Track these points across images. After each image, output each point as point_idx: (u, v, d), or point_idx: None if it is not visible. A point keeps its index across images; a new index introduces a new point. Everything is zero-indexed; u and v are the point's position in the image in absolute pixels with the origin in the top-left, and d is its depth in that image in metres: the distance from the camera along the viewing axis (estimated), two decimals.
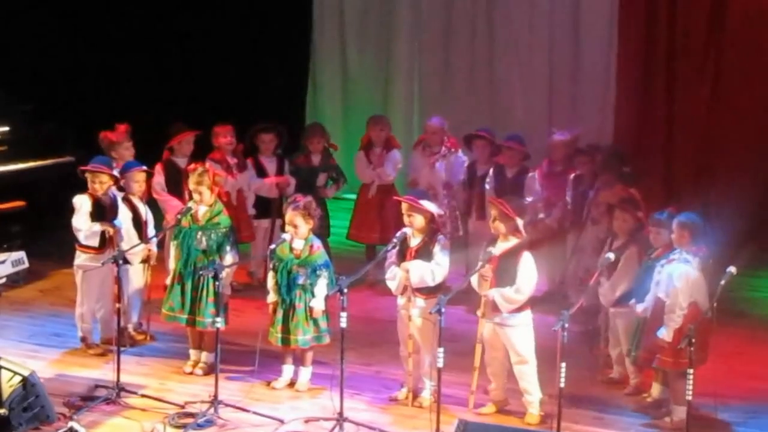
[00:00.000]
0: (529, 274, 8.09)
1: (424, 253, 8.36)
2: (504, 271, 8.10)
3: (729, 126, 12.32)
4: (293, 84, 14.08)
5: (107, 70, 13.32)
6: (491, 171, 10.85)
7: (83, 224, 9.23)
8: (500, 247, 8.17)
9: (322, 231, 11.15)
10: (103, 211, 9.28)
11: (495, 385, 8.39)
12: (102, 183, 9.27)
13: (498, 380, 8.38)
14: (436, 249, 8.35)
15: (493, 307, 8.14)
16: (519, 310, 8.15)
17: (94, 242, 9.26)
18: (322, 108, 14.18)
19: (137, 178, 9.56)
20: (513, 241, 8.18)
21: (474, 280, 8.23)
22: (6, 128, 11.74)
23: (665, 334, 8.10)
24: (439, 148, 11.17)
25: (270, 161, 11.29)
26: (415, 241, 8.43)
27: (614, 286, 8.73)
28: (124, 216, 9.40)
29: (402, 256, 8.42)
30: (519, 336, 8.19)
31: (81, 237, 9.28)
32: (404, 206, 8.46)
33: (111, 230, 9.23)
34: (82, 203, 9.27)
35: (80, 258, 9.37)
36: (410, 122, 13.59)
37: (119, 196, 9.46)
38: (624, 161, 10.37)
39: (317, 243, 8.74)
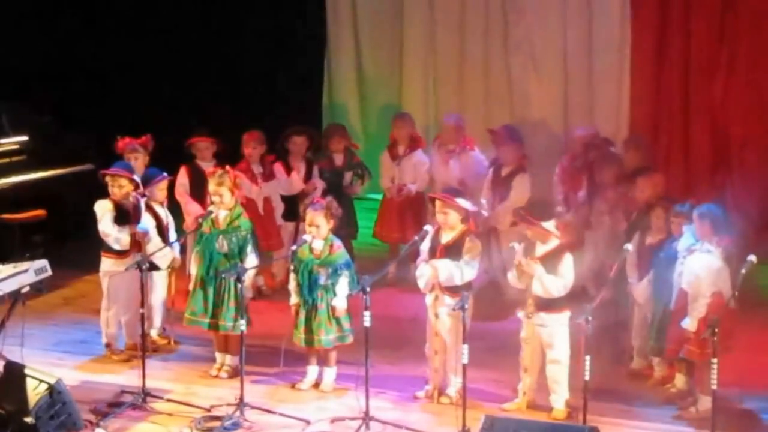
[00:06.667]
0: (568, 276, 8.09)
1: (454, 250, 8.31)
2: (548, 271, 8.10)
3: (745, 116, 12.28)
4: (309, 87, 14.08)
5: (127, 77, 13.35)
6: (490, 169, 10.85)
7: (110, 229, 9.22)
8: (541, 250, 8.16)
9: (350, 232, 11.20)
10: (125, 215, 9.28)
11: (527, 382, 8.35)
12: (121, 187, 9.27)
13: (531, 377, 8.35)
14: (467, 247, 8.30)
15: (536, 307, 8.13)
16: (559, 310, 8.14)
17: (125, 245, 9.24)
18: (339, 110, 14.17)
19: (161, 186, 9.64)
20: (554, 243, 8.16)
21: (512, 276, 8.20)
22: (25, 138, 11.79)
23: (689, 323, 8.10)
24: (453, 147, 11.18)
25: (299, 166, 11.28)
26: (446, 238, 8.38)
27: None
28: (147, 222, 9.42)
29: (432, 253, 8.40)
30: (557, 336, 8.18)
31: (111, 242, 9.25)
32: (438, 203, 8.41)
33: (138, 233, 9.23)
34: (103, 209, 9.29)
35: (106, 264, 9.38)
36: (426, 120, 13.55)
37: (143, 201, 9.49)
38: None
39: (337, 242, 8.74)
